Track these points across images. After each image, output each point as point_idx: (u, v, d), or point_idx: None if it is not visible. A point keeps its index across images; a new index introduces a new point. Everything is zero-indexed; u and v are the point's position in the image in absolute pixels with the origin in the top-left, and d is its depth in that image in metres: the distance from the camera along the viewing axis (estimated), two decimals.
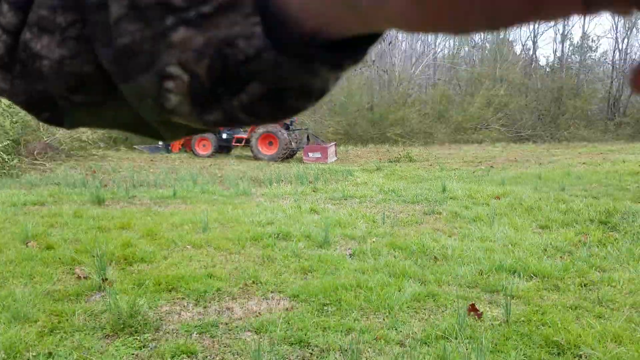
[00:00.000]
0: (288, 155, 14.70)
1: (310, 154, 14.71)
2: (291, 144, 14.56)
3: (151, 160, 13.45)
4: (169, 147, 16.22)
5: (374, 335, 2.76)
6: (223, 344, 2.69)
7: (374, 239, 4.75)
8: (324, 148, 15.23)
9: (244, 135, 15.19)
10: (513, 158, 14.64)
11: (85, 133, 14.07)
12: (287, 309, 3.13)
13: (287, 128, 14.81)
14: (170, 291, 3.41)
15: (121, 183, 8.36)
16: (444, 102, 26.86)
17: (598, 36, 54.95)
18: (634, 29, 28.53)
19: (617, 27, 28.60)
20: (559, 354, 2.57)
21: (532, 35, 30.84)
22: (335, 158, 15.21)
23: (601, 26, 61.60)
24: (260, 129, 14.30)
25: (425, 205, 6.47)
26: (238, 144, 15.55)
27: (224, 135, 15.33)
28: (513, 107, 26.54)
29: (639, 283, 3.54)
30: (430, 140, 23.80)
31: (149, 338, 2.74)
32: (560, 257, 4.18)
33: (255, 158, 14.54)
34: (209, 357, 2.56)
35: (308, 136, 16.19)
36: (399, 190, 7.68)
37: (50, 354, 2.55)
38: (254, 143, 14.51)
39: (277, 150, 14.48)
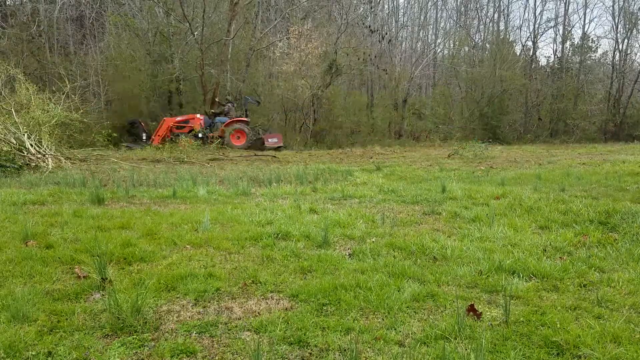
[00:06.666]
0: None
1: (270, 140, 17.94)
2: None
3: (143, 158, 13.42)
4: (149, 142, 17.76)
5: (373, 335, 2.76)
6: (222, 343, 2.69)
7: (373, 239, 4.75)
8: (279, 135, 18.47)
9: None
10: (513, 158, 14.64)
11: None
12: (286, 308, 3.13)
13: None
14: (169, 291, 3.41)
15: (121, 183, 8.36)
16: (443, 103, 26.86)
17: (598, 37, 54.99)
18: (634, 30, 28.51)
19: (617, 28, 28.61)
20: (558, 354, 2.57)
21: (532, 35, 30.86)
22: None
23: (601, 27, 61.56)
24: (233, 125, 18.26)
25: (424, 206, 6.47)
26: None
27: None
28: (513, 108, 26.54)
29: (638, 284, 3.54)
30: (430, 141, 23.79)
31: (149, 337, 2.74)
32: (560, 257, 4.18)
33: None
34: (208, 356, 2.56)
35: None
36: (398, 190, 7.68)
37: (49, 353, 2.55)
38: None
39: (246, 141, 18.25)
